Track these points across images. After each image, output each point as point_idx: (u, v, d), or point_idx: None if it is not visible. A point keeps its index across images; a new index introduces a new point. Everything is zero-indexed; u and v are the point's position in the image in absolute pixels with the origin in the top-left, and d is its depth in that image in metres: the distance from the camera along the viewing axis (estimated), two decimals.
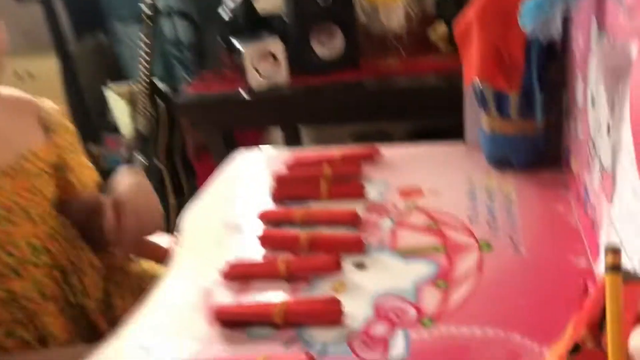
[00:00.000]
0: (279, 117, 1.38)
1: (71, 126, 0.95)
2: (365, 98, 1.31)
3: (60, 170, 0.90)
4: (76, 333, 0.88)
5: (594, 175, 0.66)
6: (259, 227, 0.83)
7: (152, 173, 1.84)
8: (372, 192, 0.89)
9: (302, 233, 0.77)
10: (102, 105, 2.50)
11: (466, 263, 0.70)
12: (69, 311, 0.87)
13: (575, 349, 0.37)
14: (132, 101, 1.98)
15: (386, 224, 0.81)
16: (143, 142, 1.89)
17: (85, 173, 0.95)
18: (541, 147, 0.87)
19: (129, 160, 2.05)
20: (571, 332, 0.42)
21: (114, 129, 2.45)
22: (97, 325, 0.91)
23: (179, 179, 1.86)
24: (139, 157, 1.91)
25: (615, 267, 0.36)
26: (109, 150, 2.46)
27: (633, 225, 0.49)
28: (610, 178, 0.58)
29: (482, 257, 0.71)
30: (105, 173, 1.04)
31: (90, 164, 0.98)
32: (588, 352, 0.36)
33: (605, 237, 0.59)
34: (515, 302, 0.63)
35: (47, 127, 0.89)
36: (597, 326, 0.39)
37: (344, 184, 0.90)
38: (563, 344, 0.42)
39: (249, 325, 0.64)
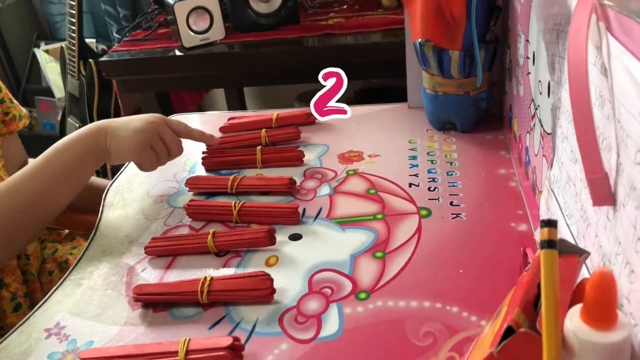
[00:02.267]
0: (215, 78, 1.30)
1: None
2: (307, 57, 1.25)
3: None
4: (23, 294, 0.84)
5: (534, 138, 0.63)
6: (188, 197, 0.78)
7: None
8: (311, 157, 0.85)
9: (233, 203, 0.72)
10: (34, 67, 2.35)
11: (405, 231, 0.67)
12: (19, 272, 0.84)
13: (508, 332, 0.34)
14: (63, 62, 1.86)
15: (324, 190, 0.77)
16: (76, 104, 1.78)
17: (16, 106, 0.90)
18: (483, 108, 0.84)
19: (63, 124, 1.94)
20: (505, 309, 0.39)
21: (47, 91, 2.31)
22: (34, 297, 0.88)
23: None
24: (73, 121, 1.80)
25: (551, 243, 0.33)
26: (43, 114, 2.33)
27: (572, 190, 0.47)
28: (550, 141, 0.55)
29: (421, 224, 0.68)
30: (40, 138, 0.97)
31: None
32: (521, 336, 0.33)
33: (545, 203, 0.56)
34: (454, 273, 0.60)
35: None
36: (532, 305, 0.36)
37: (281, 150, 0.85)
38: (497, 323, 0.39)
39: (172, 306, 0.60)
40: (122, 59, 1.30)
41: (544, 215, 0.57)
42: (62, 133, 1.98)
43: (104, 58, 1.32)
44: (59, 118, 2.20)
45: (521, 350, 0.34)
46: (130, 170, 0.88)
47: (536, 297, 0.36)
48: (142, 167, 0.78)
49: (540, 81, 0.59)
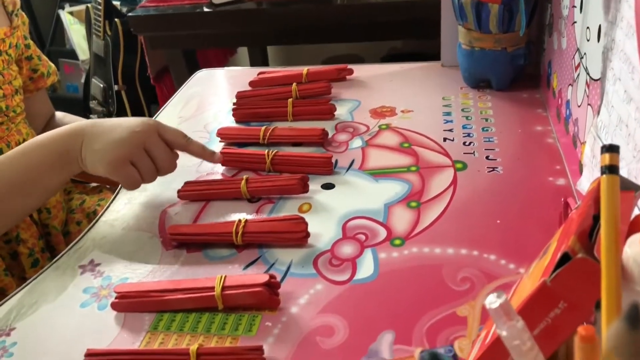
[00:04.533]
0: (242, 35, 1.29)
1: (26, 18, 0.89)
2: (337, 15, 1.23)
3: (26, 59, 0.86)
4: (40, 248, 0.84)
5: (578, 88, 0.61)
6: (219, 147, 0.78)
7: (111, 97, 1.74)
8: (342, 111, 0.84)
9: (266, 151, 0.71)
10: (58, 29, 2.35)
11: (440, 183, 0.66)
12: (36, 227, 0.83)
13: (565, 258, 0.33)
14: (88, 23, 1.85)
15: (356, 143, 0.76)
16: (101, 65, 1.78)
17: (45, 63, 0.90)
18: (520, 64, 0.82)
19: (87, 86, 1.94)
20: (554, 246, 0.39)
21: (71, 54, 2.31)
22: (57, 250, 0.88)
23: (140, 102, 1.77)
24: (97, 82, 1.81)
25: (612, 168, 0.32)
26: (66, 76, 2.33)
27: (623, 132, 0.45)
28: (598, 87, 0.53)
29: (456, 177, 0.67)
30: (63, 100, 0.98)
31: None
32: (579, 261, 0.33)
33: (590, 151, 0.55)
34: (491, 222, 0.59)
35: (9, 11, 0.84)
36: (587, 236, 0.35)
37: (312, 103, 0.84)
38: (546, 259, 0.38)
39: (206, 247, 0.60)
40: (150, 14, 1.29)
41: (588, 164, 0.55)
42: (86, 95, 1.99)
43: (133, 13, 1.31)
44: (82, 80, 2.20)
45: (577, 278, 0.33)
46: (165, 117, 0.88)
47: (591, 228, 0.35)
48: (122, 185, 0.66)
49: (588, 27, 0.57)
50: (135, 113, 1.74)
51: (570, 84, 0.65)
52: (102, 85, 1.77)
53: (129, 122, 0.63)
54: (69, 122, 0.97)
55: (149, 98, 1.78)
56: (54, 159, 0.63)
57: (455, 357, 0.45)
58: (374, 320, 0.49)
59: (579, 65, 0.61)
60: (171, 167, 0.65)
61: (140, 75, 1.73)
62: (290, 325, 0.50)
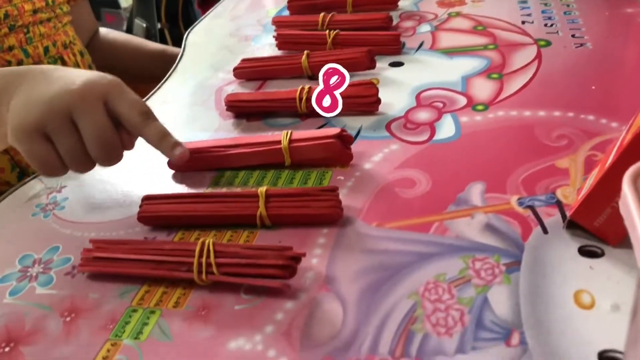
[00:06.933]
0: None
1: None
2: None
3: None
4: None
5: None
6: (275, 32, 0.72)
7: (154, 36, 1.71)
8: (406, 2, 0.78)
9: (327, 32, 0.65)
10: None
11: (523, 57, 0.60)
12: None
13: None
14: None
15: (425, 28, 0.70)
16: (143, 4, 1.74)
17: None
18: None
19: (130, 27, 1.91)
20: None
21: (112, 3, 2.29)
22: None
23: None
24: (140, 22, 1.77)
25: None
26: (108, 26, 2.31)
27: None
28: None
29: (540, 52, 0.60)
30: None
31: None
32: None
33: None
34: (585, 89, 0.53)
35: None
36: None
37: None
38: None
39: (267, 117, 0.55)
40: None
41: None
42: None
43: None
44: (124, 28, 2.18)
45: None
46: (214, 16, 0.83)
47: None
48: (32, 166, 0.42)
49: None
50: None
51: None
52: (144, 25, 1.74)
53: (73, 76, 0.42)
54: (113, 38, 0.94)
55: None
56: None
57: (560, 203, 0.39)
58: (460, 173, 0.44)
59: None
60: (111, 153, 0.42)
61: (183, 13, 1.69)
62: (365, 178, 0.44)
